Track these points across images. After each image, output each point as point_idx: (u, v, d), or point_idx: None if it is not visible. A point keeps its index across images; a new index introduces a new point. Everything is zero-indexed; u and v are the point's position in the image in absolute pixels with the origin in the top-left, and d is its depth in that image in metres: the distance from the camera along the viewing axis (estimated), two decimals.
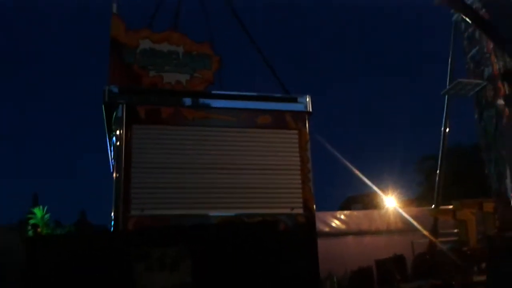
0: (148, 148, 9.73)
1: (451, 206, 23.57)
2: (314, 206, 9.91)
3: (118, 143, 9.63)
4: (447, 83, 23.43)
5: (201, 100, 10.19)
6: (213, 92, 10.53)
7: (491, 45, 20.34)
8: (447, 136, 24.56)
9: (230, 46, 11.49)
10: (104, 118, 10.35)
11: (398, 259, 17.82)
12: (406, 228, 27.98)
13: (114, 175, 9.55)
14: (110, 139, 11.15)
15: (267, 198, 9.85)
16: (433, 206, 24.71)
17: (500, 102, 19.80)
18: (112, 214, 9.63)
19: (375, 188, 33.88)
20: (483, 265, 19.06)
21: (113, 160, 12.27)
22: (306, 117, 10.45)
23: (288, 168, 10.09)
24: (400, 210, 30.77)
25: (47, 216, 31.75)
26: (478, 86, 20.59)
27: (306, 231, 9.66)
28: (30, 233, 27.56)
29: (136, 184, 9.47)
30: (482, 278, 18.36)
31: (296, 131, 10.29)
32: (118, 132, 9.67)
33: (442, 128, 24.37)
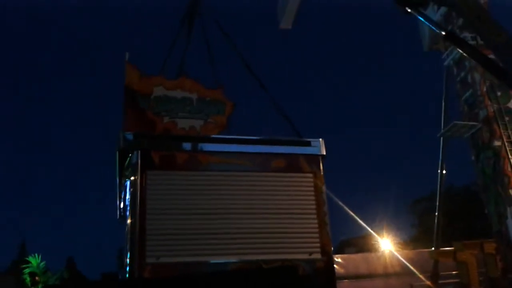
0: (163, 194, 9.57)
1: (451, 248, 23.50)
2: (332, 250, 9.78)
3: (132, 189, 9.49)
4: (442, 125, 23.77)
5: (216, 145, 10.15)
6: (228, 137, 10.49)
7: (484, 88, 20.80)
8: (444, 178, 24.73)
9: (238, 90, 11.52)
10: (117, 164, 10.24)
11: None
12: (404, 271, 27.74)
13: (129, 221, 9.36)
14: (122, 185, 11.00)
15: (285, 243, 9.65)
16: (432, 248, 24.59)
17: (497, 143, 20.05)
18: (127, 261, 9.39)
19: (370, 230, 33.63)
20: None
21: (121, 206, 12.08)
22: (320, 160, 10.40)
23: (304, 212, 9.94)
24: (397, 253, 30.56)
25: (42, 264, 31.22)
26: (474, 128, 20.89)
27: (325, 277, 9.45)
28: (28, 281, 26.91)
29: (151, 231, 9.25)
30: None
31: (311, 174, 10.21)
32: (132, 178, 9.54)
33: (439, 170, 24.55)
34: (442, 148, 23.98)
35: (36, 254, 30.66)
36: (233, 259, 9.38)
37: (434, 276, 24.78)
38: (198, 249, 9.38)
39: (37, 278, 27.44)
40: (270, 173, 10.12)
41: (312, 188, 10.08)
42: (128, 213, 9.92)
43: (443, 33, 13.98)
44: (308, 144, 10.46)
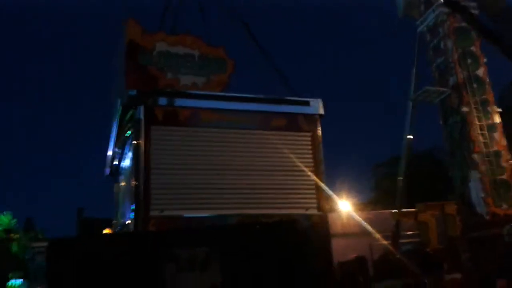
0: (166, 149, 9.68)
1: (412, 209, 24.51)
2: (327, 207, 10.23)
3: (136, 144, 9.57)
4: (411, 90, 24.36)
5: (217, 103, 10.27)
6: (229, 94, 10.61)
7: (456, 56, 21.39)
8: (410, 142, 25.51)
9: (238, 49, 11.60)
10: (117, 120, 10.27)
11: (360, 261, 18.33)
12: (363, 232, 28.72)
13: (134, 176, 9.47)
14: (119, 141, 11.04)
15: (283, 199, 9.99)
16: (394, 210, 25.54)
17: (465, 109, 20.79)
18: (132, 214, 9.58)
19: (329, 191, 34.52)
20: (445, 264, 19.92)
21: (114, 163, 12.14)
22: (318, 120, 10.69)
23: (302, 170, 10.27)
24: (355, 214, 31.55)
25: (14, 221, 30.96)
26: (444, 93, 21.50)
27: (320, 231, 9.89)
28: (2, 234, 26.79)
29: (155, 185, 9.40)
30: (453, 276, 19.23)
31: (309, 133, 10.49)
32: (136, 133, 9.61)
33: (405, 135, 25.30)
34: (410, 113, 24.51)
35: (6, 212, 30.32)
36: (234, 212, 9.68)
37: (395, 235, 25.60)
38: (200, 203, 9.60)
39: (11, 235, 27.33)
40: (269, 131, 10.35)
41: (310, 147, 10.40)
42: (130, 167, 10.05)
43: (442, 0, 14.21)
44: (307, 103, 10.69)
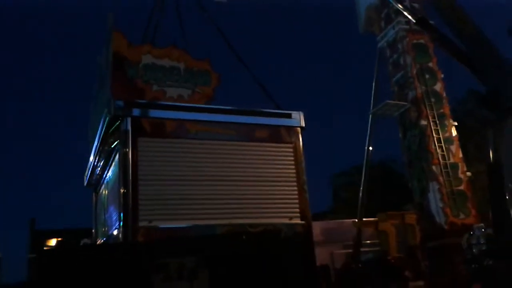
0: (154, 160, 9.81)
1: (373, 218, 25.31)
2: (310, 216, 10.63)
3: (123, 155, 9.68)
4: (371, 104, 25.26)
5: (203, 115, 10.52)
6: (214, 107, 10.87)
7: (414, 71, 22.40)
8: (371, 154, 26.37)
9: (222, 64, 11.93)
10: (102, 131, 10.36)
11: (323, 269, 18.81)
12: (324, 240, 29.37)
13: (121, 187, 9.57)
14: (103, 152, 11.11)
15: (267, 209, 10.28)
16: (355, 219, 26.25)
17: (423, 122, 21.76)
18: (118, 225, 9.68)
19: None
20: (407, 272, 20.68)
21: (96, 173, 12.17)
22: (300, 132, 11.10)
23: (285, 180, 10.63)
24: (317, 223, 32.23)
25: None
26: (403, 107, 22.43)
27: (304, 239, 10.28)
28: None
29: (143, 196, 9.49)
30: (416, 284, 19.96)
31: (291, 145, 10.86)
32: (123, 145, 9.73)
33: (366, 147, 26.15)
34: (370, 126, 25.29)
35: None
36: (220, 222, 9.94)
37: (356, 244, 26.23)
38: (187, 214, 9.77)
39: None
40: (253, 143, 10.67)
41: (292, 158, 10.80)
42: (115, 178, 10.15)
43: (413, 20, 14.95)
44: (289, 116, 11.10)
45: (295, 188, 10.58)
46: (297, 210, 10.47)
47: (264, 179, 10.51)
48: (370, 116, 25.16)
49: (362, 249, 26.65)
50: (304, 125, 11.11)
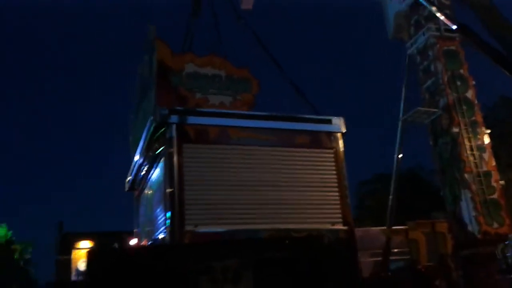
0: (198, 166, 10.07)
1: (402, 227, 25.14)
2: (352, 222, 10.77)
3: (169, 162, 9.95)
4: (401, 111, 25.23)
5: (245, 121, 10.77)
6: (256, 113, 11.03)
7: (446, 78, 22.36)
8: (400, 161, 26.27)
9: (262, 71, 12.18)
10: (147, 138, 10.68)
11: None
12: None
13: (168, 192, 9.84)
14: (147, 157, 11.41)
15: (309, 214, 10.42)
16: (384, 227, 26.10)
17: (455, 130, 21.67)
18: (164, 230, 9.95)
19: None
20: (437, 281, 20.52)
21: (139, 179, 12.48)
22: (340, 137, 11.23)
23: (326, 186, 10.76)
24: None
25: (9, 233, 31.16)
26: (434, 114, 22.33)
27: (347, 245, 10.39)
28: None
29: (189, 201, 9.74)
30: None
31: (332, 150, 11.00)
32: (169, 151, 10.01)
33: (395, 154, 26.07)
34: (400, 133, 25.16)
35: (3, 224, 30.76)
36: (263, 227, 10.12)
37: (385, 252, 25.99)
38: (231, 218, 9.92)
39: (13, 247, 27.79)
40: (294, 148, 10.83)
41: (333, 163, 10.94)
42: (161, 183, 10.43)
43: (454, 26, 15.05)
44: (329, 122, 11.25)
45: (337, 193, 10.70)
46: (339, 215, 10.58)
47: (305, 184, 10.64)
48: (400, 123, 25.04)
49: (391, 258, 26.41)
50: (344, 131, 11.25)
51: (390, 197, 26.06)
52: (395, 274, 20.57)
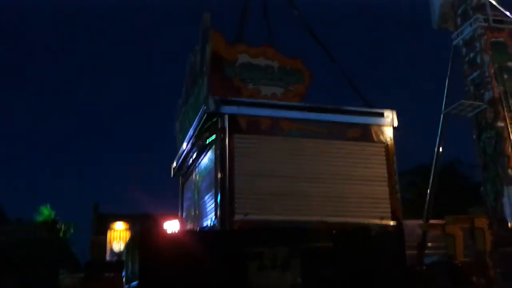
0: (249, 156, 10.16)
1: (439, 221, 24.87)
2: (401, 217, 10.76)
3: (220, 151, 10.10)
4: (443, 104, 24.84)
5: (297, 113, 10.80)
6: (308, 105, 11.00)
7: (492, 70, 21.90)
8: (441, 154, 25.92)
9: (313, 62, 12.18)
10: (198, 126, 10.84)
11: None
12: None
13: (219, 181, 10.01)
14: (196, 145, 11.61)
15: (358, 208, 10.41)
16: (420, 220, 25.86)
17: (500, 124, 21.23)
18: (214, 217, 10.15)
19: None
20: (474, 278, 20.30)
21: (187, 165, 12.72)
22: (392, 131, 11.14)
23: (376, 180, 10.66)
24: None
25: (53, 213, 32.24)
26: (479, 107, 21.91)
27: (395, 240, 10.36)
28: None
29: (240, 191, 9.84)
30: None
31: (383, 144, 10.91)
32: (220, 141, 10.17)
33: (436, 147, 25.72)
34: (442, 126, 24.78)
35: (47, 205, 31.81)
36: (312, 219, 10.19)
37: (421, 246, 25.76)
38: (280, 208, 10.04)
39: (57, 226, 28.84)
40: (345, 141, 10.81)
41: (384, 157, 10.89)
42: (210, 173, 10.63)
43: None
44: (381, 115, 11.22)
45: (387, 188, 10.69)
46: (388, 210, 10.58)
47: (355, 178, 10.63)
48: (442, 115, 24.65)
49: (426, 252, 26.20)
50: (396, 125, 11.19)
51: (428, 190, 25.85)
52: (431, 268, 20.44)
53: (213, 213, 10.18)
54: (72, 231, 31.10)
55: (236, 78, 10.95)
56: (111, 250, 33.91)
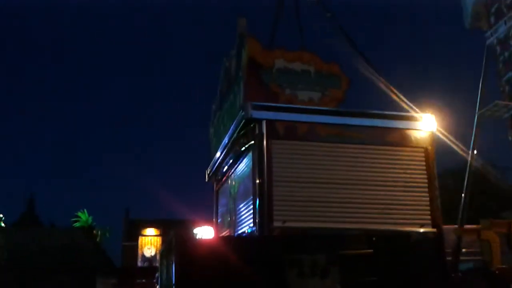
0: (287, 163, 10.09)
1: (474, 226, 24.47)
2: (442, 225, 10.59)
3: (259, 157, 10.08)
4: (477, 104, 24.46)
5: (333, 118, 10.69)
6: (344, 110, 10.91)
7: None
8: (474, 158, 25.51)
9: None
10: (236, 132, 10.85)
11: None
12: None
13: (257, 187, 9.99)
14: (234, 151, 11.63)
15: (398, 215, 10.23)
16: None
17: None
18: (251, 224, 10.15)
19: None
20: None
21: (222, 171, 12.76)
22: (431, 135, 10.94)
23: (416, 186, 10.46)
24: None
25: (90, 219, 32.87)
26: None
27: (436, 249, 10.23)
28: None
29: (278, 197, 9.77)
30: None
31: (422, 149, 10.73)
32: (258, 147, 10.15)
33: (470, 150, 25.33)
34: (475, 127, 24.42)
35: (84, 210, 32.43)
36: (351, 227, 10.11)
37: (456, 252, 25.36)
38: (319, 216, 9.96)
39: (94, 232, 29.42)
40: (383, 147, 10.60)
41: (424, 163, 10.71)
42: (248, 179, 10.63)
43: None
44: (420, 119, 11.08)
45: (427, 194, 10.53)
46: (429, 217, 10.42)
47: (395, 184, 10.47)
48: (476, 116, 24.27)
49: (462, 258, 25.81)
50: (435, 129, 11.03)
51: (463, 194, 25.45)
52: (466, 275, 20.12)
53: (251, 220, 10.17)
54: (107, 235, 31.72)
55: (273, 84, 10.92)
56: (143, 255, 34.42)
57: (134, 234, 36.01)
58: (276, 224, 9.72)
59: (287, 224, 9.79)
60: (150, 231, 36.21)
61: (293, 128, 10.35)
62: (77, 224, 31.73)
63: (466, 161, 24.59)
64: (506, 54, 22.32)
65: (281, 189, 9.95)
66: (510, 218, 22.79)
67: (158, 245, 34.48)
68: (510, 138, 22.18)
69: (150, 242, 35.19)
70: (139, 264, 32.26)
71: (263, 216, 9.63)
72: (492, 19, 23.34)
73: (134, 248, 34.82)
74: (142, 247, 34.47)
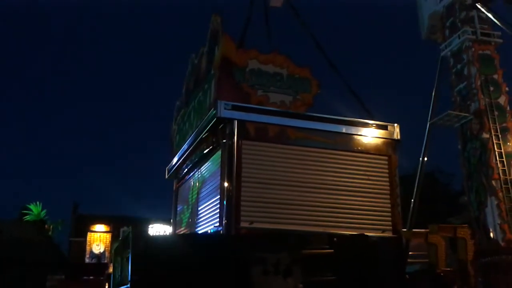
0: (256, 164, 10.27)
1: (422, 230, 25.41)
2: (401, 230, 11.07)
3: (228, 157, 10.22)
4: (429, 114, 25.33)
5: (304, 122, 10.94)
6: (315, 115, 11.15)
7: (478, 82, 22.51)
8: (424, 164, 26.41)
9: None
10: (206, 130, 10.93)
11: None
12: None
13: (225, 187, 10.11)
14: (200, 149, 11.67)
15: (360, 219, 10.59)
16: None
17: (485, 135, 21.83)
18: (218, 223, 10.27)
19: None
20: (455, 287, 20.80)
21: (183, 168, 12.77)
22: (395, 144, 11.44)
23: (379, 192, 10.92)
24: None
25: (43, 212, 31.62)
26: (465, 118, 22.44)
27: (396, 253, 10.66)
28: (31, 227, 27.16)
29: (246, 198, 9.95)
30: None
31: (386, 157, 11.19)
32: (228, 147, 10.28)
33: (421, 157, 26.19)
34: (427, 136, 25.20)
35: (37, 202, 31.21)
36: (315, 230, 10.40)
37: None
38: (285, 218, 10.17)
39: (46, 226, 28.41)
40: (349, 152, 11.02)
41: (387, 170, 11.19)
42: (216, 177, 10.73)
43: None
44: (385, 128, 11.47)
45: (389, 201, 10.97)
46: (390, 223, 10.86)
47: (358, 189, 10.84)
48: (428, 125, 25.08)
49: (408, 261, 26.47)
50: (399, 138, 11.49)
51: (412, 200, 26.22)
52: (413, 277, 20.82)
53: (215, 220, 10.28)
54: (60, 228, 30.81)
55: (245, 84, 11.04)
56: (91, 252, 33.70)
57: (83, 230, 35.19)
58: (243, 224, 9.87)
59: (254, 226, 9.94)
60: (100, 227, 35.45)
61: (264, 129, 10.55)
62: (27, 218, 30.64)
63: (416, 168, 25.33)
64: (459, 66, 23.16)
65: (249, 190, 10.12)
66: (456, 223, 23.80)
67: (108, 242, 33.88)
68: (459, 146, 23.10)
69: (99, 238, 34.47)
70: (87, 260, 31.54)
71: (230, 216, 9.77)
72: (447, 32, 24.18)
73: (82, 244, 34.00)
74: (90, 243, 33.71)
